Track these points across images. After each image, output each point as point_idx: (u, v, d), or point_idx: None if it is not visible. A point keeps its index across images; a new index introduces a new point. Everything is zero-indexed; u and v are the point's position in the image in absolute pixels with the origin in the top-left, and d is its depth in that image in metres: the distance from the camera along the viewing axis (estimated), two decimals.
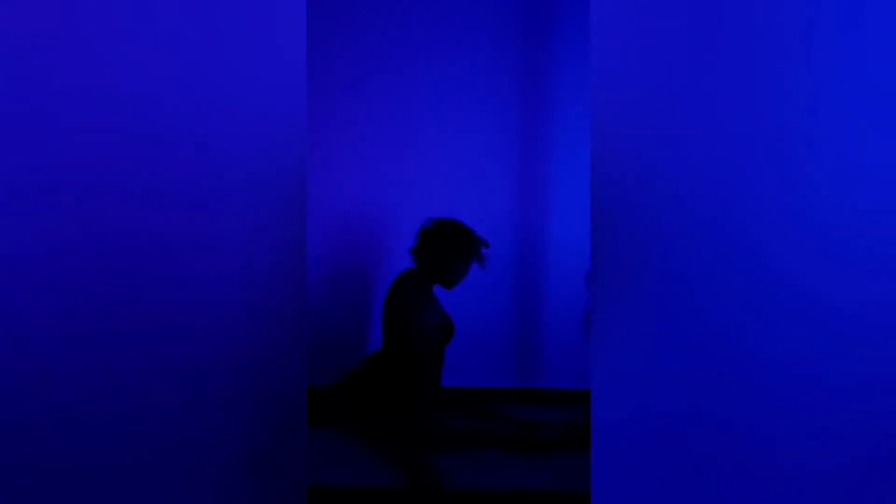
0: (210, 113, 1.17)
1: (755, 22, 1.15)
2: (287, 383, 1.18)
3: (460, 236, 2.08)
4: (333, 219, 2.47)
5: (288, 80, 1.18)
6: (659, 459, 1.16)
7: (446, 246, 2.06)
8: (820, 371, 1.14)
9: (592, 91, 1.17)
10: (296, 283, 1.18)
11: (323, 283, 2.45)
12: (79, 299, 1.15)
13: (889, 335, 1.13)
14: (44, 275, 1.14)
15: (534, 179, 2.49)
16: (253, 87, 1.17)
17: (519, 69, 2.47)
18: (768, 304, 1.15)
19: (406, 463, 1.80)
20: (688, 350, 1.16)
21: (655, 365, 1.16)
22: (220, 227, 1.17)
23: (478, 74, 2.46)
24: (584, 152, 2.37)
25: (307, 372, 1.22)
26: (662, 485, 1.16)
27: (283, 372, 1.18)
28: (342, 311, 2.48)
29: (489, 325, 2.48)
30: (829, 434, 1.14)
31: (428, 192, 2.42)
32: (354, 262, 2.49)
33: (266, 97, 1.18)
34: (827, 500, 1.14)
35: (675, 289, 1.16)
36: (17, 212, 1.14)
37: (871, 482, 1.14)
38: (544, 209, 2.49)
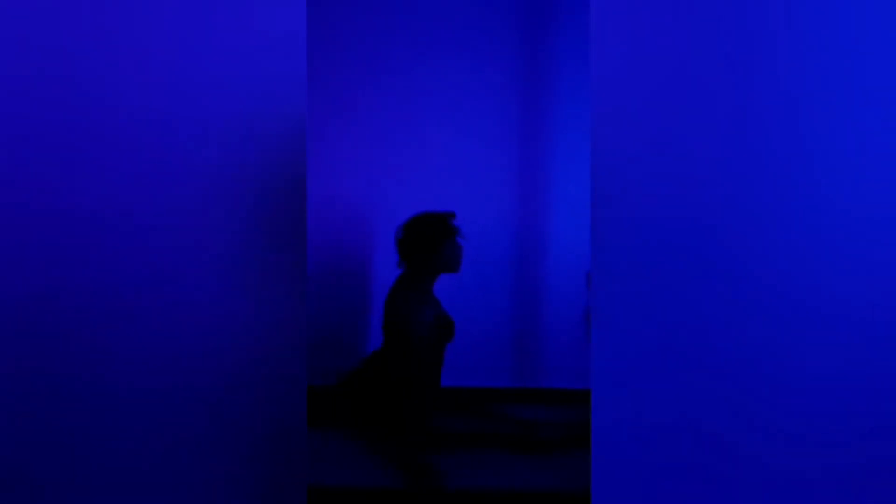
0: (210, 113, 1.17)
1: (755, 22, 1.15)
2: (287, 383, 1.18)
3: (430, 222, 2.08)
4: (333, 219, 2.46)
5: (288, 80, 1.18)
6: (659, 460, 1.16)
7: (426, 238, 2.06)
8: (820, 371, 1.14)
9: (592, 91, 1.17)
10: (296, 283, 1.18)
11: (323, 284, 2.45)
12: (78, 299, 1.15)
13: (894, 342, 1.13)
14: (44, 274, 1.14)
15: (534, 179, 2.49)
16: (253, 87, 1.17)
17: (519, 69, 2.47)
18: (769, 305, 1.15)
19: (406, 463, 1.80)
20: (688, 350, 1.16)
21: (655, 365, 1.16)
22: (219, 226, 1.17)
23: (478, 74, 2.46)
24: (584, 152, 2.37)
25: (307, 372, 1.21)
26: (662, 485, 1.16)
27: (283, 372, 1.18)
28: (342, 312, 2.48)
29: (489, 325, 2.47)
30: (829, 435, 1.14)
31: (428, 192, 2.42)
32: (354, 262, 2.49)
33: (266, 97, 1.18)
34: (827, 500, 1.14)
35: (675, 289, 1.16)
36: (17, 211, 1.14)
37: (869, 486, 1.13)
38: (544, 209, 2.49)
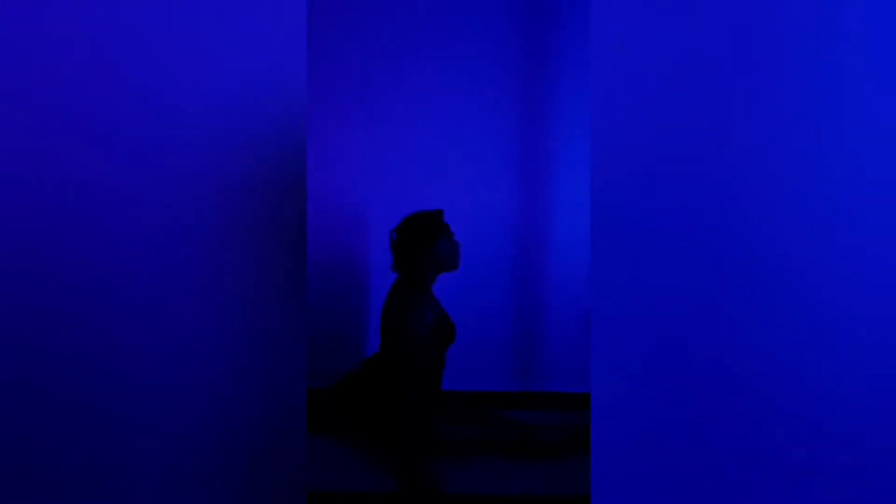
0: (210, 112, 1.17)
1: (755, 22, 1.14)
2: (287, 386, 1.18)
3: (421, 221, 2.07)
4: (333, 218, 2.46)
5: (288, 80, 1.17)
6: (659, 464, 1.15)
7: (419, 237, 2.06)
8: (824, 377, 1.14)
9: (592, 91, 1.17)
10: (296, 284, 1.18)
11: (323, 284, 2.44)
12: (77, 298, 1.14)
13: None
14: (43, 274, 1.14)
15: (534, 180, 2.48)
16: (253, 87, 1.17)
17: (519, 69, 2.47)
18: (769, 305, 1.14)
19: (406, 468, 1.79)
20: (689, 354, 1.15)
21: (656, 368, 1.15)
22: (219, 226, 1.17)
23: (479, 74, 2.46)
24: (585, 152, 2.37)
25: (306, 374, 1.21)
26: (663, 489, 1.15)
27: (283, 374, 1.18)
28: (342, 314, 2.47)
29: (489, 328, 2.47)
30: (830, 437, 1.14)
31: (428, 193, 2.42)
32: (354, 263, 2.49)
33: (266, 97, 1.17)
34: (827, 501, 1.14)
35: (676, 291, 1.15)
36: (17, 211, 1.14)
37: (870, 486, 1.13)
38: (544, 209, 2.49)
